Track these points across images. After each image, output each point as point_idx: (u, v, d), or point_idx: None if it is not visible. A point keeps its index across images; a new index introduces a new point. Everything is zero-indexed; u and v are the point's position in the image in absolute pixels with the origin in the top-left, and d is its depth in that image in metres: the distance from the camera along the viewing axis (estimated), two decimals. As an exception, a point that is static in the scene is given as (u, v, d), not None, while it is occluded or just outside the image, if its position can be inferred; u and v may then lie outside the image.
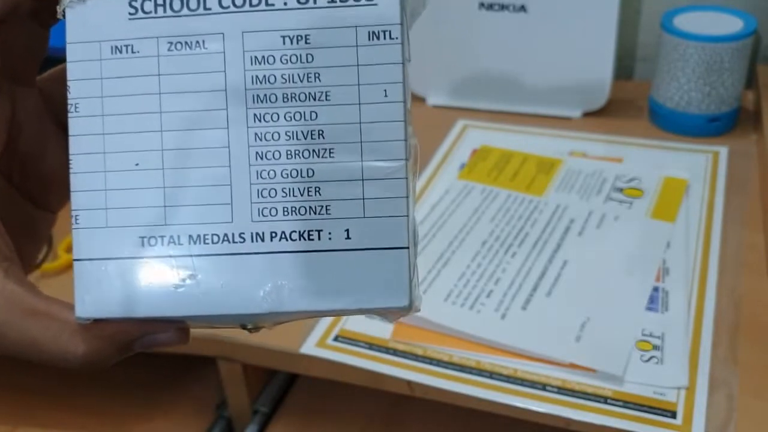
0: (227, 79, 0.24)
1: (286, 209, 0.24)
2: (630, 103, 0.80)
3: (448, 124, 0.79)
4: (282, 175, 0.24)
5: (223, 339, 0.57)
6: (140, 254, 0.24)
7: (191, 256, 0.24)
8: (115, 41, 0.25)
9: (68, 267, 0.62)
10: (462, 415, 0.57)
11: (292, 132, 0.24)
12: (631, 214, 0.65)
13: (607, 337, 0.53)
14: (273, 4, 0.24)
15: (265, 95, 0.24)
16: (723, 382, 0.50)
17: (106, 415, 0.66)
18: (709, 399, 0.49)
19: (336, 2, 0.24)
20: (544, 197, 0.67)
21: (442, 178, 0.71)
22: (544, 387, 0.50)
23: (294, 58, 0.24)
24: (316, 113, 0.24)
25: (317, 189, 0.24)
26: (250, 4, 0.24)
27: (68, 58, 0.25)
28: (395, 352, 0.53)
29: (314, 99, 0.24)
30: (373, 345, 0.54)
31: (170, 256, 0.24)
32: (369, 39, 0.24)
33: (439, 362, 0.52)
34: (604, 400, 0.49)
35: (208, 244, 0.24)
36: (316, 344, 0.54)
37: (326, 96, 0.24)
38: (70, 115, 0.25)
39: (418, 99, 0.83)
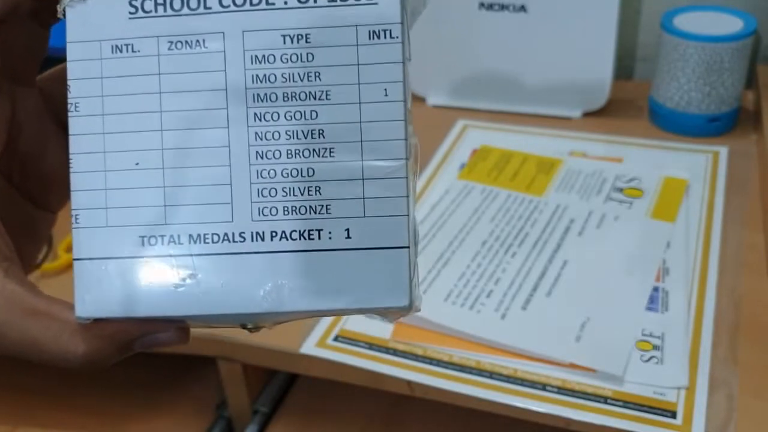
0: (227, 79, 0.24)
1: (286, 209, 0.24)
2: (630, 103, 0.80)
3: (448, 124, 0.79)
4: (282, 175, 0.24)
5: (223, 339, 0.57)
6: (140, 254, 0.24)
7: (191, 255, 0.24)
8: (115, 40, 0.24)
9: (68, 267, 0.62)
10: (462, 415, 0.57)
11: (293, 131, 0.24)
12: (631, 214, 0.65)
13: (607, 337, 0.53)
14: (273, 3, 0.24)
15: (266, 94, 0.24)
16: (723, 382, 0.50)
17: (106, 415, 0.66)
18: (709, 399, 0.49)
19: (336, 1, 0.24)
20: (544, 197, 0.67)
21: (442, 178, 0.71)
22: (544, 387, 0.50)
23: (294, 57, 0.24)
24: (317, 112, 0.24)
25: (317, 188, 0.24)
26: (251, 3, 0.24)
27: (68, 57, 0.25)
28: (395, 352, 0.53)
29: (314, 98, 0.24)
30: (373, 345, 0.54)
31: (170, 256, 0.24)
32: (369, 38, 0.24)
33: (439, 362, 0.52)
34: (604, 400, 0.49)
35: (208, 243, 0.24)
36: (316, 344, 0.54)
37: (326, 95, 0.24)
38: (70, 114, 0.25)
39: (418, 99, 0.83)
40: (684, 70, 0.72)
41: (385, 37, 0.24)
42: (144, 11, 0.24)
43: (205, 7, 0.24)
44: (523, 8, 0.76)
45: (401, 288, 0.24)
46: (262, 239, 0.24)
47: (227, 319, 0.25)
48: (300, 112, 0.24)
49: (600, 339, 0.53)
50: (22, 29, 0.27)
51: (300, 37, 0.24)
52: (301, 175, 0.24)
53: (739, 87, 0.73)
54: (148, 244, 0.24)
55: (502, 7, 0.76)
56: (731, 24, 0.72)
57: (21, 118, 0.28)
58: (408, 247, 0.24)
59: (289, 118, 0.24)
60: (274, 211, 0.24)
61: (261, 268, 0.24)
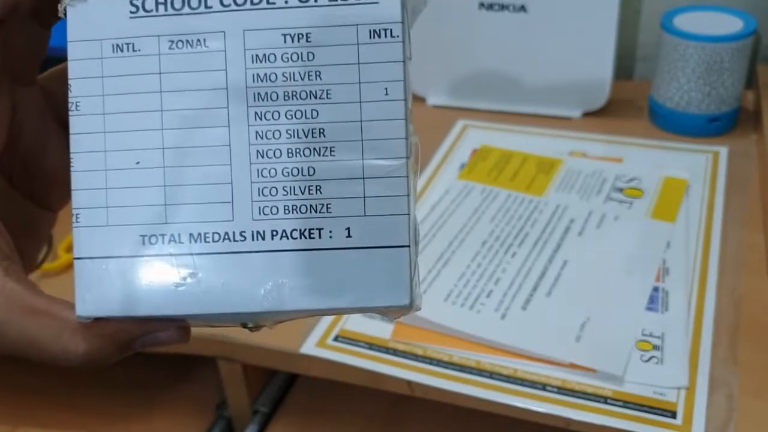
0: (228, 78, 0.24)
1: (286, 207, 0.24)
2: (630, 103, 0.80)
3: (448, 124, 0.79)
4: (283, 174, 0.24)
5: (223, 339, 0.57)
6: (141, 253, 0.24)
7: (192, 254, 0.24)
8: (116, 39, 0.25)
9: (68, 267, 0.62)
10: (462, 415, 0.57)
11: (293, 130, 0.24)
12: (631, 214, 0.65)
13: (607, 337, 0.53)
14: (274, 3, 0.24)
15: (266, 93, 0.24)
16: (723, 382, 0.50)
17: (106, 415, 0.66)
18: (709, 399, 0.49)
19: (337, 0, 0.24)
20: (544, 197, 0.67)
21: (442, 178, 0.71)
22: (544, 387, 0.50)
23: (295, 57, 0.24)
24: (317, 111, 0.24)
25: (318, 187, 0.24)
26: (252, 3, 0.24)
27: (69, 56, 0.25)
28: (395, 352, 0.53)
29: (315, 97, 0.24)
30: (373, 345, 0.54)
31: (171, 255, 0.24)
32: (370, 37, 0.24)
33: (439, 362, 0.52)
34: (604, 400, 0.49)
35: (208, 242, 0.24)
36: (316, 344, 0.54)
37: (327, 94, 0.24)
38: (71, 113, 0.25)
39: (418, 99, 0.83)
40: (684, 70, 0.72)
41: (385, 36, 0.24)
42: (145, 10, 0.24)
43: (206, 7, 0.24)
44: (523, 8, 0.76)
45: (402, 287, 0.24)
46: (263, 238, 0.24)
47: (228, 319, 0.25)
48: (301, 111, 0.24)
49: (600, 339, 0.53)
50: (23, 29, 0.27)
51: (301, 36, 0.24)
52: (302, 174, 0.24)
53: (739, 87, 0.73)
54: (148, 243, 0.24)
55: (502, 7, 0.76)
56: (731, 24, 0.72)
57: (22, 118, 0.28)
58: (408, 246, 0.24)
59: (289, 117, 0.24)
60: (274, 210, 0.24)
61: (261, 267, 0.24)
